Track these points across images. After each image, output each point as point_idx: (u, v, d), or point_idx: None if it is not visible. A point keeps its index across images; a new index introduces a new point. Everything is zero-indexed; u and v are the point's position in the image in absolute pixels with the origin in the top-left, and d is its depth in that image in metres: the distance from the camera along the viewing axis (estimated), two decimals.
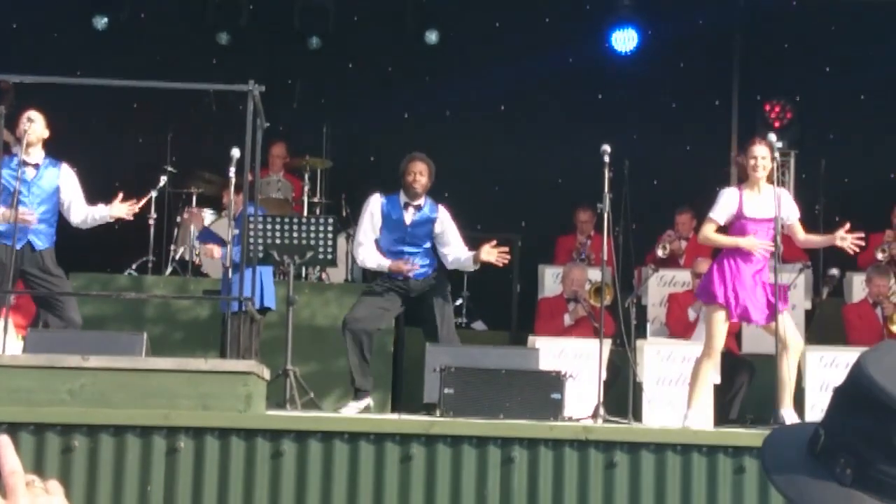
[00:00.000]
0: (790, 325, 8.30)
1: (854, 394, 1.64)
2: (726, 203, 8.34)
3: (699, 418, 8.18)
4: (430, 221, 9.15)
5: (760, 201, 8.29)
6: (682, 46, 13.91)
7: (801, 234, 8.53)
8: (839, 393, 1.68)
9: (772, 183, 8.32)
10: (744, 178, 8.45)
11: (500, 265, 9.19)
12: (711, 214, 8.40)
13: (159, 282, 11.26)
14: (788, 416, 8.01)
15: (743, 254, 8.25)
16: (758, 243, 8.22)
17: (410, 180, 9.10)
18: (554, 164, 13.75)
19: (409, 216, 9.14)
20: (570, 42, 13.97)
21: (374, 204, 9.21)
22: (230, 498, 6.74)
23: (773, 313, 8.16)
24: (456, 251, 9.20)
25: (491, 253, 9.02)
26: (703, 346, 8.37)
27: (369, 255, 9.18)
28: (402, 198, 9.17)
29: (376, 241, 9.20)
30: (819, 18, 13.88)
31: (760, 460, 1.73)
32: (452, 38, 14.27)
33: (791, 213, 8.44)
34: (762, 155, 8.29)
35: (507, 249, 9.15)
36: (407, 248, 9.13)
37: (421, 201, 9.17)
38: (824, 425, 1.67)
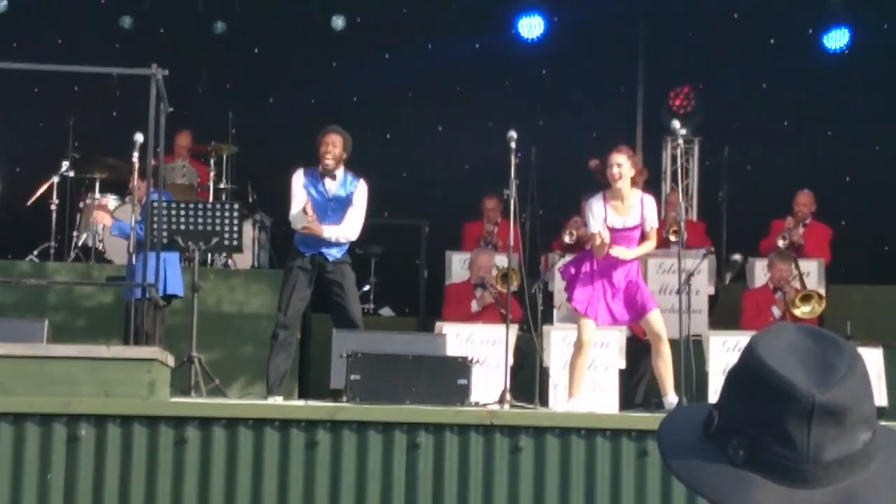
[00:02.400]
0: (659, 319, 8.46)
1: (746, 376, 1.65)
2: (596, 215, 8.45)
3: (581, 405, 8.33)
4: (350, 191, 9.14)
5: (624, 210, 8.46)
6: (588, 34, 13.98)
7: (645, 241, 8.57)
8: (731, 375, 1.69)
9: (639, 188, 8.44)
10: (605, 185, 8.54)
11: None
12: (589, 230, 8.58)
13: (62, 268, 11.10)
14: (674, 400, 8.26)
15: (606, 257, 8.41)
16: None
17: (322, 152, 9.12)
18: (461, 151, 13.77)
19: (328, 186, 9.13)
20: (476, 28, 13.99)
21: (296, 177, 9.20)
22: (132, 485, 6.67)
23: (643, 306, 8.37)
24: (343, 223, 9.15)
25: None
26: (574, 343, 8.57)
27: (292, 213, 9.14)
28: (319, 168, 9.17)
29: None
30: (722, 7, 14.03)
31: (657, 443, 1.74)
32: (359, 24, 14.23)
33: (651, 219, 8.52)
34: (618, 162, 8.40)
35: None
36: (330, 218, 9.11)
37: (339, 173, 9.16)
38: (718, 407, 1.68)
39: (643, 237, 8.54)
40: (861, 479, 1.62)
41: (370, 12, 14.24)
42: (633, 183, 8.46)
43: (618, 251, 8.37)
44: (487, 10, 14.15)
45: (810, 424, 1.59)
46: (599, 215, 8.44)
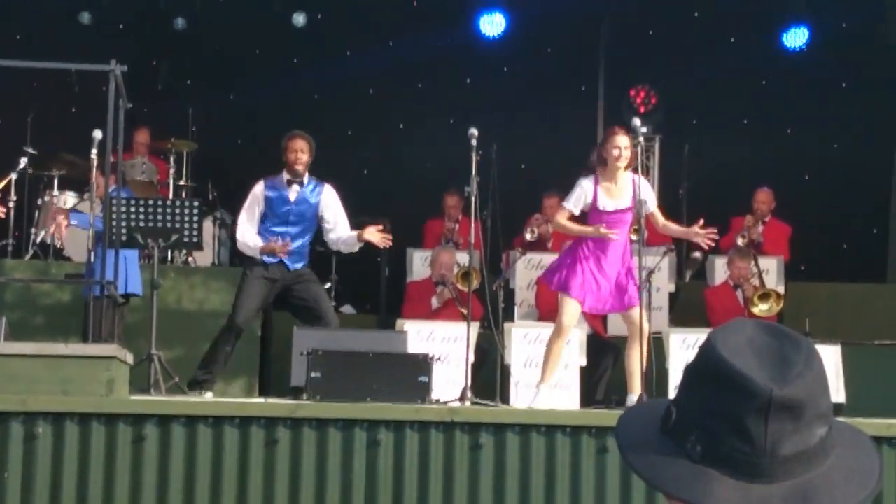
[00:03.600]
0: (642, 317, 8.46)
1: (703, 371, 1.66)
2: (581, 194, 8.44)
3: (549, 393, 8.32)
4: (315, 199, 9.12)
5: (616, 192, 8.41)
6: (550, 31, 14.00)
7: (660, 220, 8.66)
8: (690, 371, 1.70)
9: (632, 170, 8.44)
10: (602, 166, 8.51)
11: (382, 247, 9.24)
12: (565, 203, 8.54)
13: (19, 265, 11.02)
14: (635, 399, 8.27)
15: (597, 241, 8.38)
16: (605, 232, 8.31)
17: (292, 159, 9.10)
18: (422, 148, 13.77)
19: (292, 193, 9.11)
20: (438, 26, 13.98)
21: (257, 188, 9.19)
22: (90, 483, 6.63)
23: (630, 299, 8.33)
24: (339, 231, 9.19)
25: (374, 234, 9.04)
26: (554, 327, 8.51)
27: (245, 239, 9.13)
28: (285, 176, 9.15)
29: (260, 226, 9.15)
30: (682, 6, 14.08)
31: (615, 438, 1.74)
32: (320, 21, 14.20)
33: (649, 200, 8.54)
34: (625, 145, 8.38)
35: (389, 236, 9.15)
36: (291, 229, 9.09)
37: (304, 179, 9.14)
38: (676, 402, 1.69)
39: (652, 217, 8.61)
40: (817, 474, 1.63)
41: (331, 9, 14.21)
42: (629, 167, 8.47)
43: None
44: (449, 8, 14.15)
45: (767, 419, 1.60)
46: (581, 197, 8.42)
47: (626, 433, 1.72)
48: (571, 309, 8.41)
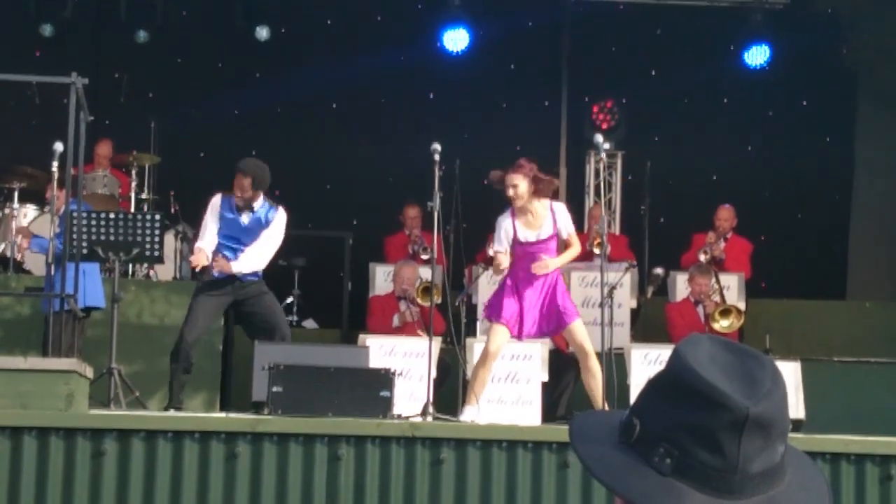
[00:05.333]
0: (583, 331, 8.46)
1: (675, 385, 1.64)
2: (502, 232, 8.40)
3: (472, 413, 8.31)
4: (266, 223, 9.03)
5: (535, 223, 8.40)
6: (513, 47, 14.05)
7: (567, 249, 8.52)
8: (658, 384, 1.67)
9: (549, 199, 8.41)
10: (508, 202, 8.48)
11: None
12: (496, 247, 8.46)
13: None
14: None
15: (523, 269, 8.38)
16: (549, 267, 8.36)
17: (235, 193, 9.00)
18: (385, 163, 13.77)
19: (244, 217, 9.03)
20: (401, 41, 14.00)
21: (216, 203, 9.08)
22: (48, 498, 6.58)
23: (565, 317, 8.34)
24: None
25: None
26: (481, 353, 8.52)
27: (202, 244, 9.02)
28: (237, 200, 9.06)
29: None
30: (645, 22, 14.16)
31: (575, 453, 1.72)
32: (283, 35, 14.18)
33: (564, 226, 8.51)
34: (513, 183, 8.31)
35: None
36: (242, 246, 8.99)
37: (256, 205, 9.05)
38: (639, 415, 1.67)
39: (565, 245, 8.53)
40: (779, 491, 1.64)
41: (295, 23, 14.20)
42: (539, 194, 8.38)
43: (538, 267, 8.35)
44: (413, 23, 14.16)
45: (741, 436, 1.60)
46: (507, 233, 8.40)
47: (587, 450, 1.70)
48: (498, 336, 8.43)
